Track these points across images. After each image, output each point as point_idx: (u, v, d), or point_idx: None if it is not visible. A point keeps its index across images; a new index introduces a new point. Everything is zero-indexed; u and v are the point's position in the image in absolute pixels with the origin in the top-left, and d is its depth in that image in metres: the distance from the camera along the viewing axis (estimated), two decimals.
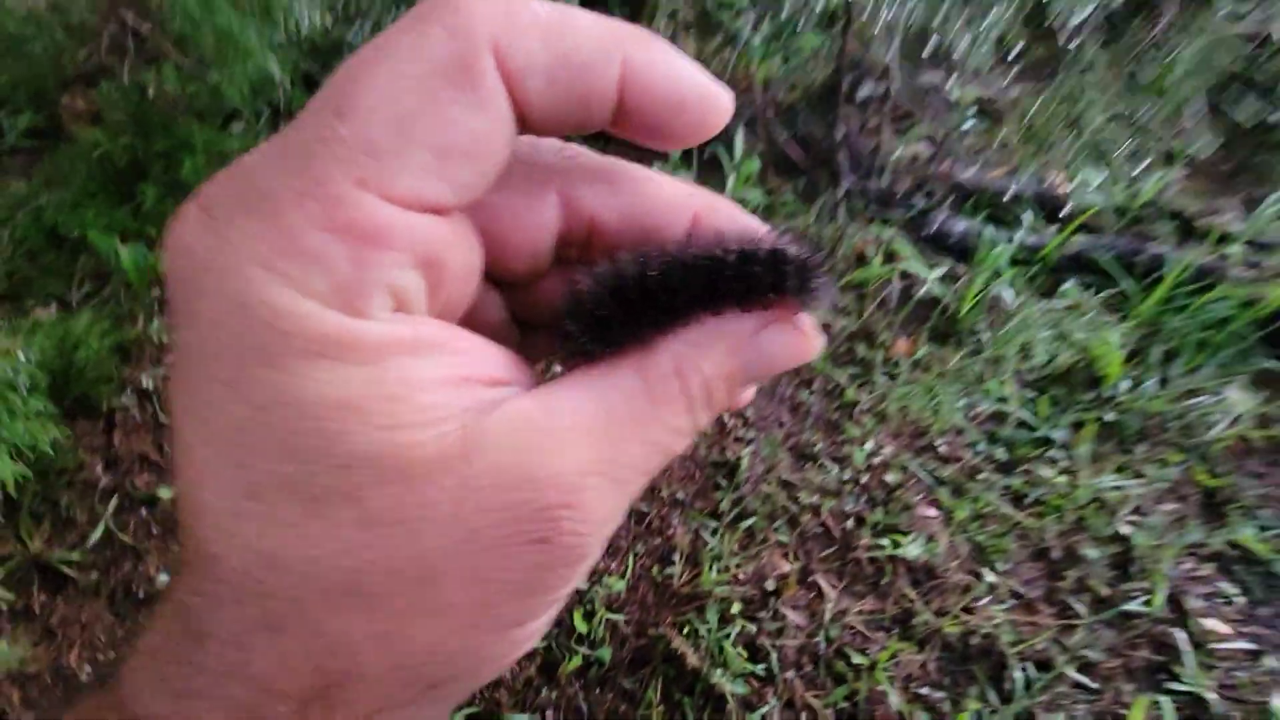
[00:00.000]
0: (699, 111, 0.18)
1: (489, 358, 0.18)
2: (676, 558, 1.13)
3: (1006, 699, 1.00)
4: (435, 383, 0.16)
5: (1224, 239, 1.51)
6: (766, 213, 1.54)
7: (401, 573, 0.16)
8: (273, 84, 1.28)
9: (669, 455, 0.19)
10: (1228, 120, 1.77)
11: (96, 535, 1.11)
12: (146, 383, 1.28)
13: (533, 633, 0.18)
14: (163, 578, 1.08)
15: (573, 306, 0.19)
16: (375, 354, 0.16)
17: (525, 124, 0.17)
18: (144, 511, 1.16)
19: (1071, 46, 1.63)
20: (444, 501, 0.15)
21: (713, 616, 1.06)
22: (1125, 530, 1.17)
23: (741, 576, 1.11)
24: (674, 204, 0.20)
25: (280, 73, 1.23)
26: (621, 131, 0.19)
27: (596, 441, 0.17)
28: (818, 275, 0.19)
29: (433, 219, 0.16)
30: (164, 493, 1.14)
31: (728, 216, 0.21)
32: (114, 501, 1.15)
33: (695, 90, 0.18)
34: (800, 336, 0.20)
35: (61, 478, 1.15)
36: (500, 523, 0.16)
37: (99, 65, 1.71)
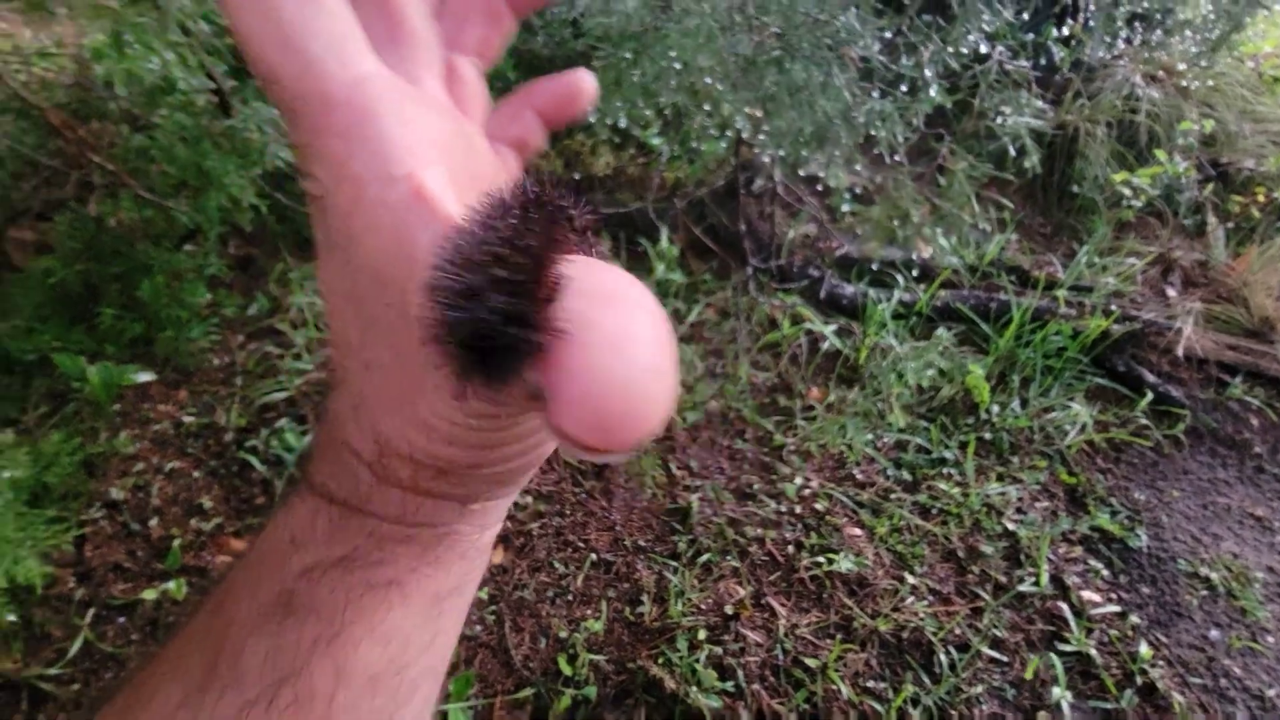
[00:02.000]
0: None
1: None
2: (645, 598, 1.26)
3: (936, 680, 1.17)
4: None
5: (1051, 285, 1.88)
6: (689, 290, 1.78)
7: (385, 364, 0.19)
8: (236, 209, 1.42)
9: None
10: (1041, 193, 2.22)
11: (75, 648, 1.12)
12: (115, 494, 1.31)
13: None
14: None
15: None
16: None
17: None
18: (122, 619, 1.17)
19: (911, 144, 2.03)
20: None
21: (683, 644, 1.18)
22: (1011, 527, 1.41)
23: (703, 606, 1.25)
24: None
25: (247, 200, 1.38)
26: None
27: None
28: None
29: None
30: (148, 595, 1.17)
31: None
32: (90, 612, 1.16)
33: None
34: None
35: (33, 595, 1.16)
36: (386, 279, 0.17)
37: (45, 199, 1.79)
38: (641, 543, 1.35)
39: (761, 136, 0.87)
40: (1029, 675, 1.16)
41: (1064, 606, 1.28)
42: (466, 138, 0.21)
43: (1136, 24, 2.07)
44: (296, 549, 0.21)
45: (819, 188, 1.65)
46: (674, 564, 1.31)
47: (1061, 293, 1.85)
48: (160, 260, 1.58)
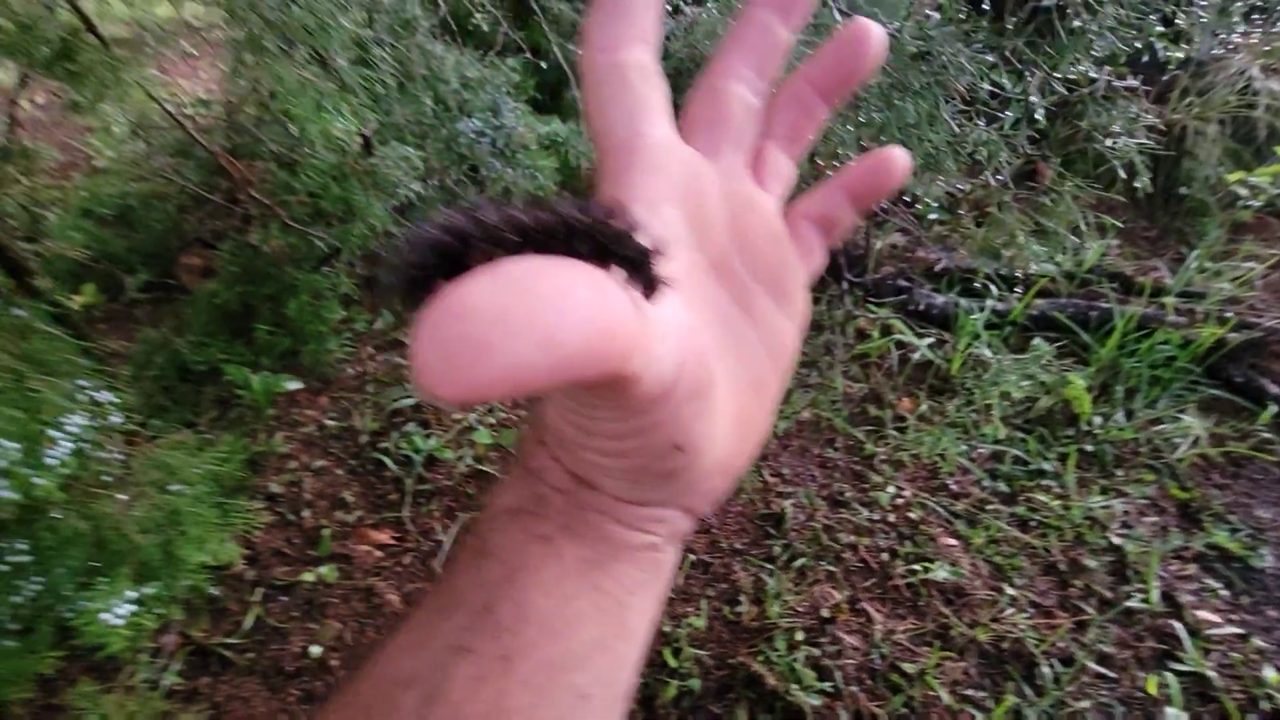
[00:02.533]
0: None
1: None
2: (742, 598, 1.32)
3: (1040, 692, 1.17)
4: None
5: (1158, 292, 1.81)
6: None
7: None
8: (372, 235, 1.59)
9: None
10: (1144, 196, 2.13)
11: (249, 621, 1.30)
12: (274, 488, 1.51)
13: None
14: (314, 649, 1.26)
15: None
16: None
17: None
18: (284, 598, 1.35)
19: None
20: None
21: (781, 644, 1.24)
22: (1117, 541, 1.38)
23: (800, 609, 1.30)
24: None
25: (380, 227, 1.55)
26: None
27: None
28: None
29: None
30: (306, 577, 1.34)
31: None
32: (260, 591, 1.34)
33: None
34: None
35: (215, 573, 1.35)
36: None
37: (210, 229, 2.05)
38: (738, 545, 1.42)
39: None
40: (1151, 691, 1.14)
41: (1177, 625, 1.25)
42: (745, 198, 0.26)
43: (1254, 16, 1.97)
44: (495, 499, 0.25)
45: (906, 198, 1.68)
46: (769, 567, 1.37)
47: (1170, 300, 1.78)
48: (303, 281, 1.79)
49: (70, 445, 0.87)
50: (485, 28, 1.93)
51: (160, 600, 1.01)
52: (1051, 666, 1.20)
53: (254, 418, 1.62)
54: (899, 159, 0.27)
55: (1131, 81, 0.92)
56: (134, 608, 0.94)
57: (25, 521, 1.00)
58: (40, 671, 1.11)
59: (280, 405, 1.67)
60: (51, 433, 0.81)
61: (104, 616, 0.91)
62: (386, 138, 1.45)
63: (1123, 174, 0.86)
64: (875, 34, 0.25)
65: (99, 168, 2.46)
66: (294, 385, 1.66)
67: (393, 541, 1.43)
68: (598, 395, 0.20)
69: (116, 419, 0.95)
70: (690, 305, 0.22)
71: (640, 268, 0.18)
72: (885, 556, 1.38)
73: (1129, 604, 1.28)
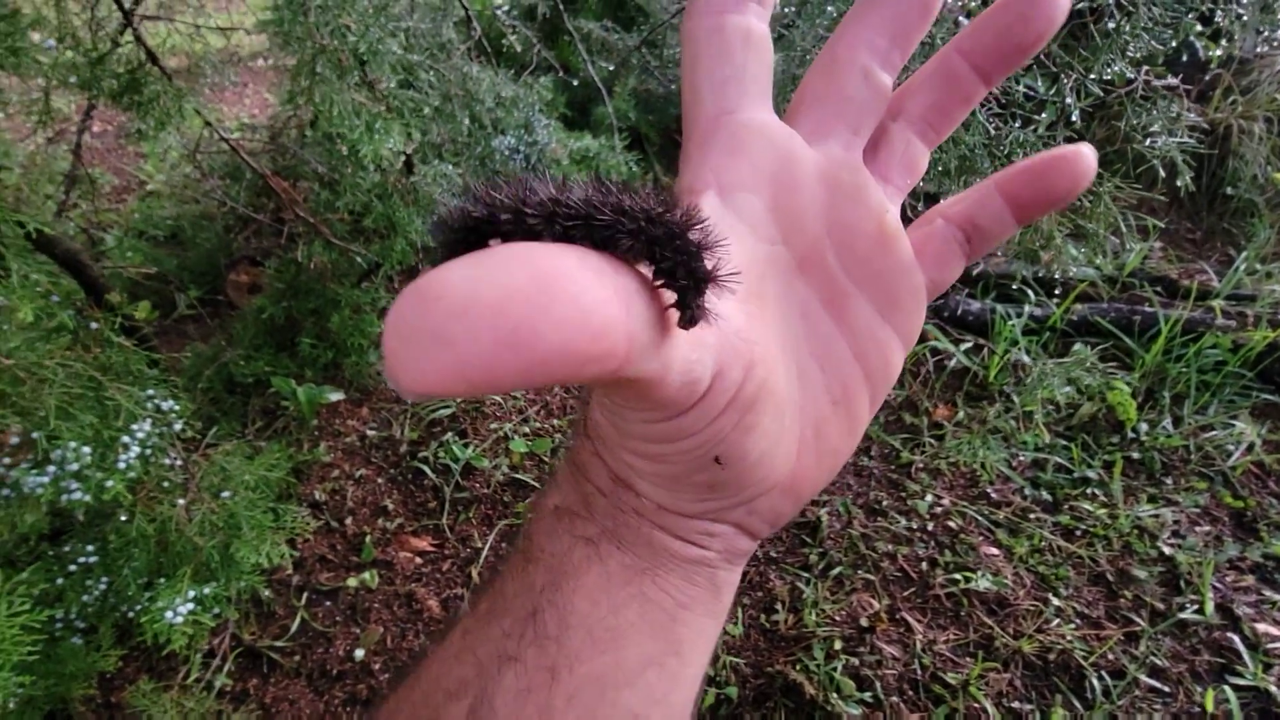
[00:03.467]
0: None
1: None
2: (779, 606, 1.32)
3: (1089, 705, 1.14)
4: None
5: (1204, 295, 1.76)
6: None
7: None
8: (412, 252, 1.65)
9: None
10: (1188, 197, 2.07)
11: (295, 625, 1.34)
12: (318, 496, 1.55)
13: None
14: (358, 652, 1.29)
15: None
16: None
17: None
18: (329, 603, 1.39)
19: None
20: None
21: (819, 653, 1.23)
22: (1168, 551, 1.34)
23: (838, 618, 1.29)
24: None
25: (420, 242, 1.60)
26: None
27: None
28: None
29: None
30: (350, 582, 1.38)
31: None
32: (305, 595, 1.38)
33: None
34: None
35: (264, 576, 1.40)
36: None
37: (257, 247, 2.14)
38: (773, 553, 1.41)
39: None
40: (1208, 707, 1.10)
41: (1235, 638, 1.20)
42: (852, 189, 0.22)
43: None
44: (543, 498, 0.24)
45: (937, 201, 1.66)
46: (806, 575, 1.36)
47: (1218, 303, 1.73)
48: (345, 296, 1.85)
49: (137, 450, 0.92)
50: (518, 48, 1.99)
51: (217, 600, 1.05)
52: (1101, 679, 1.17)
53: (298, 428, 1.68)
54: (1084, 158, 0.22)
55: (1172, 80, 0.91)
56: (194, 606, 0.99)
57: (93, 524, 1.06)
58: (102, 669, 1.16)
59: (323, 416, 1.73)
60: (123, 438, 0.85)
61: (167, 615, 0.96)
62: (427, 156, 1.50)
63: (1163, 173, 0.85)
64: None
65: (151, 191, 2.59)
66: (336, 396, 1.72)
67: (432, 548, 1.47)
68: (617, 395, 0.19)
69: (178, 426, 1.00)
70: (751, 307, 0.20)
71: (687, 291, 0.15)
72: (925, 565, 1.36)
73: (1182, 615, 1.24)
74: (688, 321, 0.16)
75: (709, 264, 0.16)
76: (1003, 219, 0.23)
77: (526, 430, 1.68)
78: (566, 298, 0.13)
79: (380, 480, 1.59)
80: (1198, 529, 1.39)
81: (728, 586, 0.24)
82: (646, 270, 0.16)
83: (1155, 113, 0.90)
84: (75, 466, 0.88)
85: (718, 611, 0.24)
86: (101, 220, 2.36)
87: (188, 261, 2.20)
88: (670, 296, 0.16)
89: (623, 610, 0.22)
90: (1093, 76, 0.87)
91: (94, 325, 0.86)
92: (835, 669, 1.21)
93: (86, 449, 0.88)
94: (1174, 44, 0.95)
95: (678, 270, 0.16)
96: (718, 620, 0.24)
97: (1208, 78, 1.96)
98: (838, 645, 1.24)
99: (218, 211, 2.19)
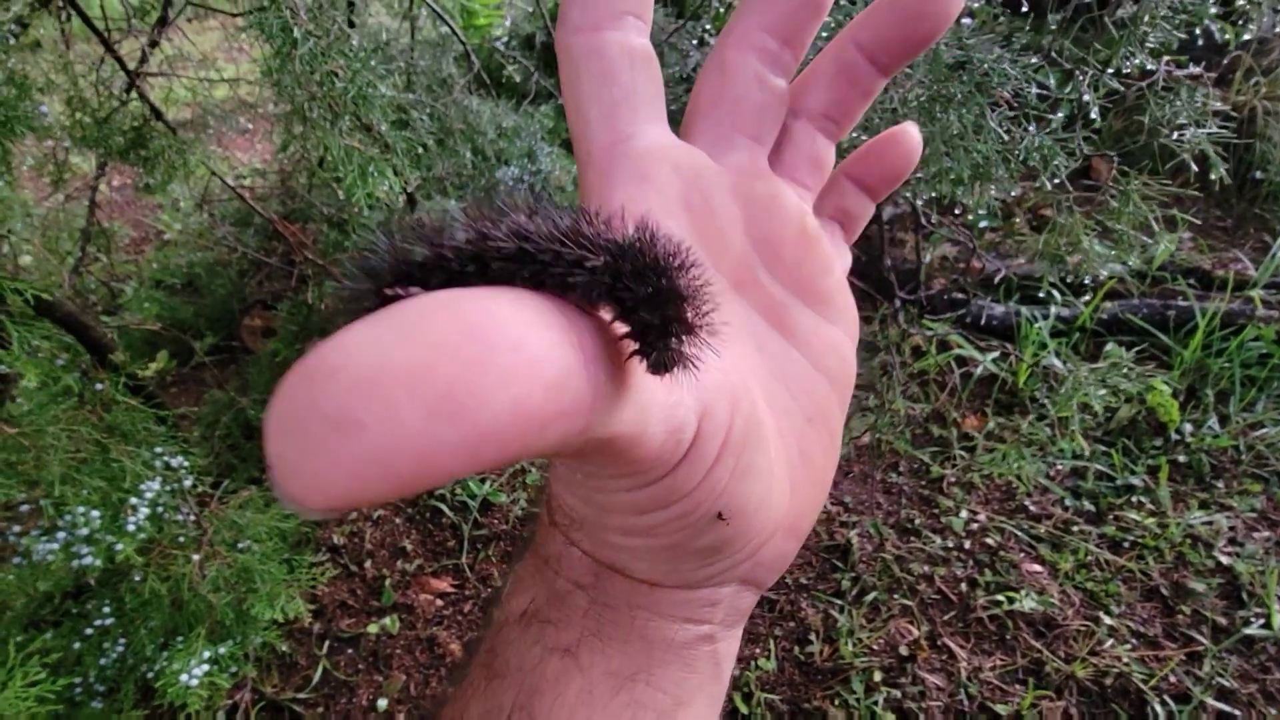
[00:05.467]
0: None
1: None
2: (813, 637, 1.26)
3: None
4: None
5: (1240, 285, 1.68)
6: None
7: None
8: None
9: None
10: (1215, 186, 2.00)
11: (318, 675, 1.31)
12: (337, 540, 1.53)
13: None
14: (381, 702, 1.26)
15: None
16: None
17: None
18: (350, 650, 1.36)
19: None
20: None
21: (858, 686, 1.17)
22: (1225, 560, 1.26)
23: (876, 647, 1.23)
24: None
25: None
26: None
27: None
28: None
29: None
30: (371, 629, 1.35)
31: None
32: (326, 644, 1.36)
33: None
34: None
35: (281, 627, 1.38)
36: None
37: (270, 291, 2.15)
38: (803, 580, 1.36)
39: (918, 177, 0.89)
40: None
41: None
42: (766, 198, 0.21)
43: None
44: (507, 598, 0.21)
45: (956, 210, 1.62)
46: (839, 602, 1.30)
47: (1256, 292, 1.65)
48: None
49: (147, 510, 0.90)
50: (518, 79, 1.99)
51: (234, 659, 1.03)
52: (1165, 704, 1.09)
53: None
54: (908, 136, 0.23)
55: (1195, 69, 0.86)
56: (209, 667, 0.96)
57: (109, 584, 1.05)
58: None
59: None
60: (131, 500, 0.84)
61: (182, 678, 0.93)
62: (430, 192, 1.49)
63: (1194, 167, 0.80)
64: None
65: (168, 240, 2.64)
66: None
67: (452, 589, 1.43)
68: (589, 464, 0.16)
69: (189, 482, 0.99)
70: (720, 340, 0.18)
71: (662, 334, 0.13)
72: (964, 587, 1.30)
73: (1247, 631, 1.16)
74: (657, 366, 0.13)
75: (684, 294, 0.13)
76: (862, 201, 0.24)
77: (543, 460, 1.65)
78: (507, 345, 0.10)
79: (398, 520, 1.57)
80: (1256, 535, 1.30)
81: (728, 658, 0.22)
82: (605, 310, 0.13)
83: (1180, 104, 0.85)
84: (85, 531, 0.86)
85: (719, 695, 0.22)
86: (120, 272, 2.41)
87: (203, 308, 2.22)
88: (629, 341, 0.13)
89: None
90: (1110, 70, 0.82)
91: (99, 386, 0.86)
92: (876, 702, 1.14)
93: (96, 513, 0.87)
94: (1192, 30, 0.91)
95: (642, 305, 0.13)
96: (719, 704, 0.22)
97: (1226, 61, 1.89)
98: (877, 676, 1.18)
99: (230, 258, 2.22)
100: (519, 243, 0.12)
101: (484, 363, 0.10)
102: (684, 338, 0.13)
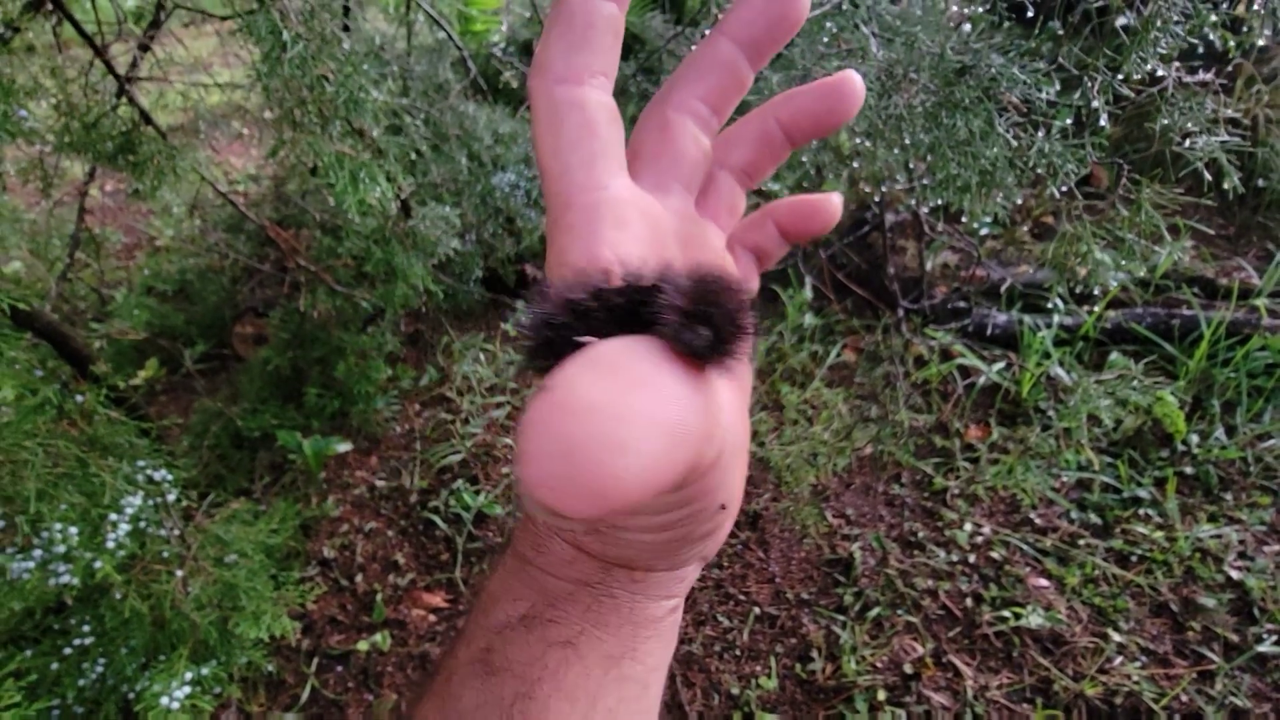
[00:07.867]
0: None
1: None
2: (815, 654, 1.23)
3: None
4: None
5: (1245, 294, 1.67)
6: (824, 332, 1.77)
7: None
8: (414, 295, 1.61)
9: None
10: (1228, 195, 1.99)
11: (306, 694, 1.27)
12: (327, 553, 1.50)
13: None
14: None
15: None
16: None
17: None
18: (340, 668, 1.33)
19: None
20: None
21: (862, 705, 1.14)
22: (1236, 575, 1.23)
23: (879, 664, 1.20)
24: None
25: (423, 286, 1.56)
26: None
27: None
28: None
29: None
30: (361, 646, 1.31)
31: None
32: (315, 662, 1.32)
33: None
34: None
35: (267, 645, 1.34)
36: None
37: (262, 298, 2.12)
38: (804, 595, 1.33)
39: (924, 184, 0.87)
40: None
41: None
42: (699, 239, 0.25)
43: None
44: (495, 602, 0.23)
45: (963, 219, 1.60)
46: (841, 618, 1.27)
47: (1261, 301, 1.63)
48: (350, 342, 1.82)
49: (128, 526, 0.87)
50: (515, 84, 1.97)
51: (218, 679, 0.99)
52: None
53: (306, 482, 1.64)
54: (832, 206, 0.27)
55: (1205, 75, 0.84)
56: (191, 689, 0.93)
57: (89, 602, 1.01)
58: None
59: (331, 468, 1.68)
60: (111, 515, 0.81)
61: (163, 700, 0.90)
62: (424, 198, 1.47)
63: (1208, 176, 0.78)
64: (858, 87, 0.24)
65: (160, 246, 2.60)
66: (344, 447, 1.67)
67: (445, 604, 1.40)
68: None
69: (172, 496, 0.96)
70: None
71: (724, 341, 0.16)
72: (969, 602, 1.27)
73: (1260, 648, 1.13)
74: (718, 364, 0.17)
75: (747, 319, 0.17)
76: (780, 244, 0.28)
77: None
78: (684, 388, 0.15)
79: (390, 533, 1.54)
80: (1266, 549, 1.28)
81: (678, 619, 0.26)
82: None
83: (1191, 110, 0.83)
84: (63, 549, 0.83)
85: (670, 653, 0.26)
86: (111, 278, 2.37)
87: (195, 315, 2.19)
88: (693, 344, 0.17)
89: (602, 698, 0.22)
90: (1120, 76, 0.80)
91: (80, 398, 0.83)
92: None
93: (74, 529, 0.83)
94: (1193, 39, 0.89)
95: (720, 322, 0.16)
96: (670, 652, 0.26)
97: (1229, 69, 1.88)
98: (881, 695, 1.15)
99: (223, 264, 2.19)
100: (631, 295, 0.17)
101: (684, 401, 0.14)
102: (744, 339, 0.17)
